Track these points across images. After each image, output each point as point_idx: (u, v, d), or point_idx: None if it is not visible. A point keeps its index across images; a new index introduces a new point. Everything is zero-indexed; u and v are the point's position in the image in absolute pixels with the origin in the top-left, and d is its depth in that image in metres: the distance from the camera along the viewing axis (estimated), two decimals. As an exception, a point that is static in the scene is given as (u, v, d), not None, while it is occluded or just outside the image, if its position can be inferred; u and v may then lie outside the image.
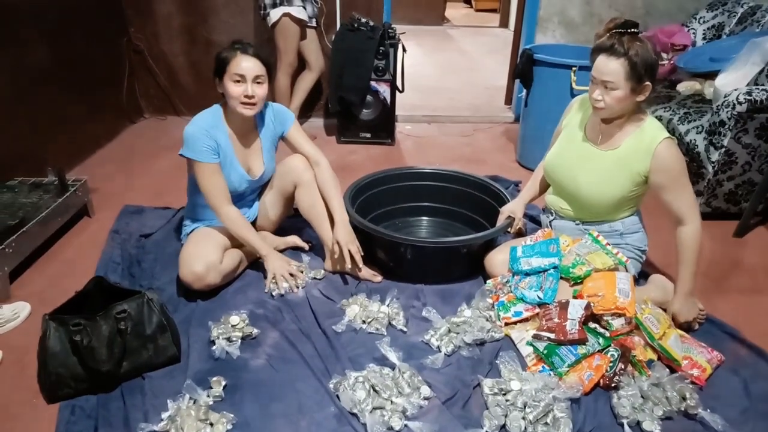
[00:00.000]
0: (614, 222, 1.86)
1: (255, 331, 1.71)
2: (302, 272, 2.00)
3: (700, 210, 2.45)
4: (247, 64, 1.78)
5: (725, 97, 2.29)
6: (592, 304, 1.63)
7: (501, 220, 2.01)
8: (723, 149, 2.32)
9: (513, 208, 2.04)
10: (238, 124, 1.91)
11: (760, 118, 2.25)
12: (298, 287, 1.94)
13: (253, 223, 2.15)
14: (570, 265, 1.76)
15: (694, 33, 3.32)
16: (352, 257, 1.91)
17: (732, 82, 2.45)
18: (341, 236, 1.92)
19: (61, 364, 1.45)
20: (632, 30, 1.65)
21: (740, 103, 2.22)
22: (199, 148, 1.81)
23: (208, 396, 1.47)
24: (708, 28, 3.28)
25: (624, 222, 1.86)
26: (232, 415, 1.41)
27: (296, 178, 2.00)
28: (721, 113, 2.29)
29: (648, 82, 1.64)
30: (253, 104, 1.83)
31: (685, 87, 2.94)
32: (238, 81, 1.79)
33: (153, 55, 3.61)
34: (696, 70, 2.93)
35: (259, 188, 2.12)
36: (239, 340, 1.68)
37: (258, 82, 1.81)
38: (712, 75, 2.72)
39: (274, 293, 1.92)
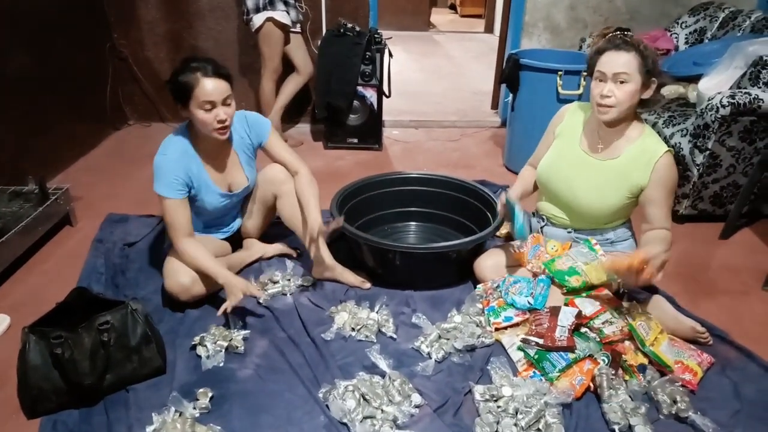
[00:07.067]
0: (606, 231, 1.87)
1: (241, 348, 1.67)
2: (265, 290, 1.93)
3: (687, 212, 2.50)
4: (213, 88, 1.66)
5: (709, 100, 2.31)
6: (582, 312, 1.63)
7: (500, 208, 1.89)
8: (708, 152, 2.34)
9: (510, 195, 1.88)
10: (209, 146, 1.83)
11: (744, 121, 2.27)
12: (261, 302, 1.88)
13: (237, 233, 2.13)
14: (566, 271, 1.74)
15: (676, 38, 3.36)
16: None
17: (715, 86, 2.48)
18: (315, 226, 1.85)
19: (42, 378, 1.41)
20: (629, 33, 1.67)
21: (724, 107, 2.24)
22: (168, 182, 1.72)
23: (195, 408, 1.44)
24: (690, 33, 3.32)
25: (616, 231, 1.86)
26: (219, 428, 1.39)
27: (276, 190, 1.99)
28: (705, 116, 2.31)
29: (654, 78, 1.65)
30: (227, 127, 1.74)
31: (669, 91, 2.96)
32: (208, 108, 1.68)
33: (137, 62, 3.57)
34: (679, 74, 2.95)
35: (242, 200, 2.08)
36: (224, 350, 1.65)
37: (227, 104, 1.71)
38: (695, 79, 2.75)
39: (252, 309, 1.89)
